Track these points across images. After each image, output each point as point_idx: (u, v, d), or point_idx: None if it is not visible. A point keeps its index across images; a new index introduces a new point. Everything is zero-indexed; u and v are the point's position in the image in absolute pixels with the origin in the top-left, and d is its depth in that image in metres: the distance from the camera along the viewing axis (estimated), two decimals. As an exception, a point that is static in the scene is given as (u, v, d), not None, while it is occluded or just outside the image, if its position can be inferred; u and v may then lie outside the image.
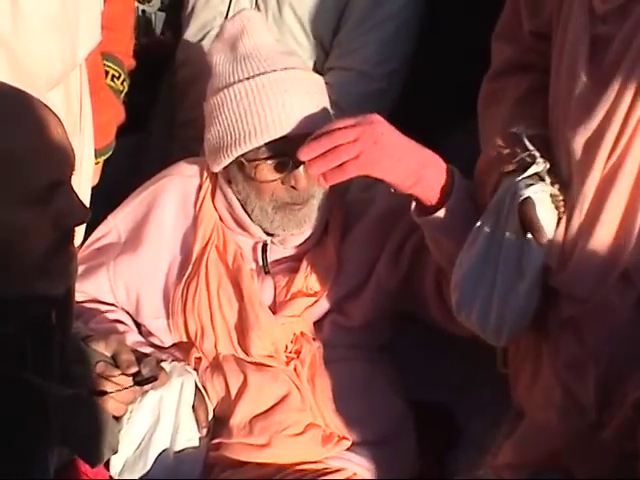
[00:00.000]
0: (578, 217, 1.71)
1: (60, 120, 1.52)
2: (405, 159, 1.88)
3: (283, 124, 2.02)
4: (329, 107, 2.11)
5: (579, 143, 1.69)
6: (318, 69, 2.54)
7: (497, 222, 1.78)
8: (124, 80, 2.41)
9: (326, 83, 2.18)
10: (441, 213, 1.91)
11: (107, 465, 2.02)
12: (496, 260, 1.77)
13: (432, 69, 2.52)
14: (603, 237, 1.69)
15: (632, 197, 1.66)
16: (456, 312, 1.85)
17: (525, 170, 1.75)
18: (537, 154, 1.76)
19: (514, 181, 1.76)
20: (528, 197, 1.72)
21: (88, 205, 2.10)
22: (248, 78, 2.04)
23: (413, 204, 1.95)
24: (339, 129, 1.86)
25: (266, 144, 2.03)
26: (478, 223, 1.82)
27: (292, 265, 2.19)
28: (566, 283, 1.74)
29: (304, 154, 1.88)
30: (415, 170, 1.88)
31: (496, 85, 1.94)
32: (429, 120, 2.48)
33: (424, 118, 2.47)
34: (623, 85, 1.63)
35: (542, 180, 1.75)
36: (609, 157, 1.66)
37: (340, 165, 1.85)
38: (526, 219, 1.72)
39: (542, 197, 1.73)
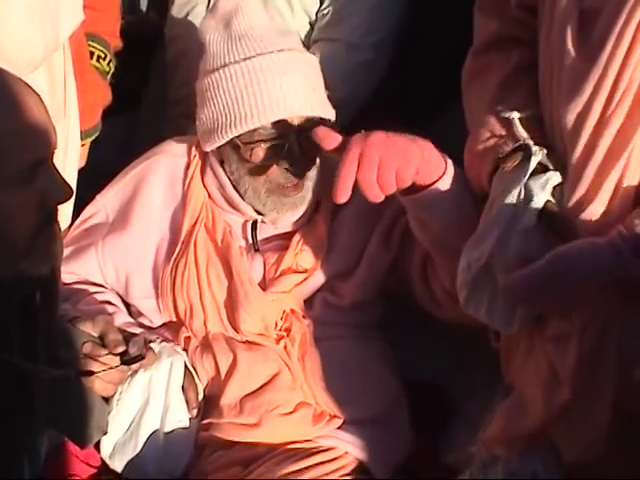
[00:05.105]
0: (566, 189, 1.71)
1: (40, 98, 1.52)
2: (411, 162, 1.86)
3: (280, 106, 2.02)
4: (324, 88, 2.10)
5: (570, 118, 1.68)
6: (304, 42, 2.53)
7: (510, 224, 1.74)
8: (110, 61, 2.38)
9: (312, 55, 2.16)
10: (428, 191, 1.91)
11: (98, 447, 2.03)
12: None
13: (418, 51, 2.51)
14: (581, 207, 1.68)
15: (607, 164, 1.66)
16: (464, 307, 1.83)
17: (525, 162, 1.74)
18: (531, 142, 1.75)
19: (523, 183, 1.73)
20: (547, 201, 1.71)
21: (75, 186, 2.11)
22: (245, 59, 2.04)
23: None
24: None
25: (262, 126, 2.03)
26: (487, 223, 1.79)
27: (282, 243, 2.18)
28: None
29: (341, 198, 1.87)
30: (418, 166, 1.88)
31: (481, 61, 1.91)
32: (415, 104, 2.47)
33: (410, 102, 2.47)
34: (609, 59, 1.62)
35: (545, 167, 1.74)
36: (594, 130, 1.65)
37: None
38: (554, 221, 1.71)
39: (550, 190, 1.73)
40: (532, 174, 1.74)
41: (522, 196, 1.73)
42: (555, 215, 1.72)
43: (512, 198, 1.75)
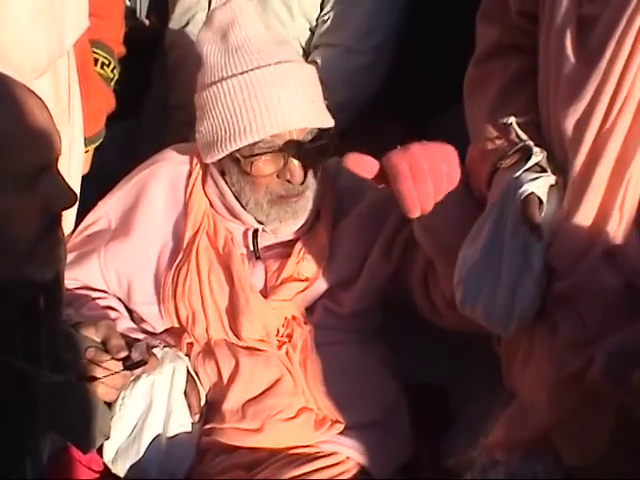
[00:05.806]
0: (568, 194, 1.71)
1: (44, 103, 1.52)
2: (454, 163, 1.88)
3: (279, 120, 2.02)
4: (322, 98, 2.11)
5: (570, 124, 1.69)
6: (304, 49, 2.54)
7: (501, 217, 1.77)
8: (114, 68, 2.40)
9: (312, 62, 2.16)
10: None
11: (100, 452, 2.03)
12: (500, 254, 1.76)
13: (418, 50, 2.51)
14: (586, 213, 1.69)
15: (613, 175, 1.67)
16: (460, 307, 1.84)
17: (524, 161, 1.75)
18: (532, 143, 1.76)
19: (516, 175, 1.75)
20: (531, 193, 1.72)
21: (79, 193, 2.12)
22: (242, 73, 2.05)
23: None
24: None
25: (262, 140, 2.04)
26: (481, 218, 1.81)
27: (283, 250, 2.19)
28: (551, 257, 1.74)
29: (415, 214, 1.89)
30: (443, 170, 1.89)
31: (482, 69, 1.92)
32: (415, 106, 2.48)
33: (411, 104, 2.48)
34: (609, 65, 1.63)
35: (543, 170, 1.74)
36: (596, 137, 1.66)
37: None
38: (527, 215, 1.72)
39: (545, 190, 1.73)
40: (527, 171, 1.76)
41: (512, 187, 1.75)
42: (533, 207, 1.72)
43: (505, 190, 1.76)
